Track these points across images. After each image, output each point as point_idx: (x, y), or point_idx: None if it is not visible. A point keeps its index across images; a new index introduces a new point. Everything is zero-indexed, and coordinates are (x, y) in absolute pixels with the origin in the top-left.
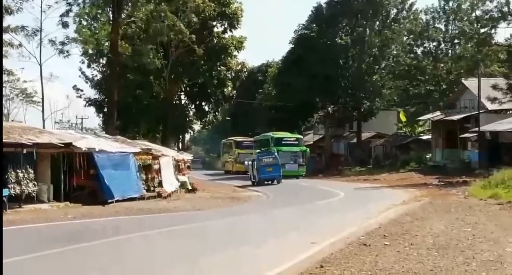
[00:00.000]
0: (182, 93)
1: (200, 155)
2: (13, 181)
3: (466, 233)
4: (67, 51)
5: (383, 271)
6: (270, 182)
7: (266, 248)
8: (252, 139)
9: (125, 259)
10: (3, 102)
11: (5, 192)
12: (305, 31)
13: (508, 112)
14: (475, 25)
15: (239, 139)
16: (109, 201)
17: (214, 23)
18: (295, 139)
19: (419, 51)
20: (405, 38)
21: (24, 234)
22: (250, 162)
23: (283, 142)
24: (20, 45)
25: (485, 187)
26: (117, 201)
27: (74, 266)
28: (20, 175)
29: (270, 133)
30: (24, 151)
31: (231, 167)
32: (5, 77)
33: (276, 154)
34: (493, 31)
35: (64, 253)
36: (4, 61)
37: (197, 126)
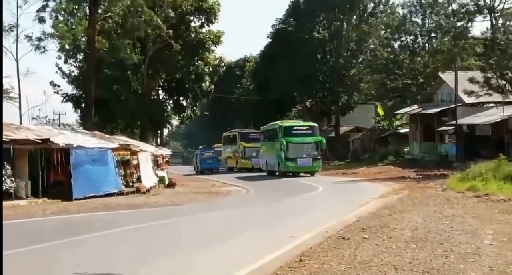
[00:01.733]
0: (160, 88)
1: (179, 150)
2: None
3: (444, 226)
4: (44, 47)
5: (362, 264)
6: (211, 172)
7: (245, 242)
8: (258, 131)
9: (102, 254)
10: None
11: None
12: (283, 26)
13: (484, 106)
14: (452, 19)
15: (244, 130)
16: (85, 196)
17: (191, 17)
18: (307, 127)
19: (396, 45)
20: (382, 32)
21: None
22: (194, 155)
23: (293, 132)
24: None
25: (462, 179)
26: (96, 196)
27: (53, 262)
28: None
29: (278, 123)
30: (2, 147)
31: (235, 163)
32: None
33: (214, 149)
34: (469, 24)
35: (43, 249)
36: None
37: (175, 122)
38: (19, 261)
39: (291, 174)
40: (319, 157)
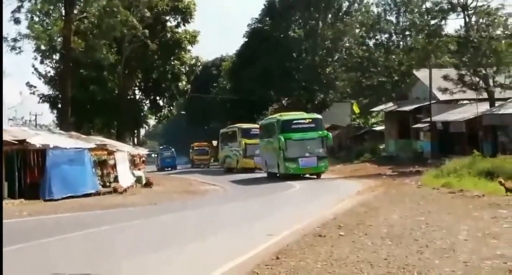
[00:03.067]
0: (137, 88)
1: (156, 149)
2: None
3: (420, 222)
4: (19, 48)
5: (338, 261)
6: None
7: (223, 241)
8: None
9: (79, 254)
10: None
11: None
12: (259, 25)
13: (458, 103)
14: (426, 17)
15: (245, 125)
16: (62, 197)
17: (167, 17)
18: (310, 120)
19: (371, 43)
20: (357, 31)
21: None
22: (156, 155)
23: (293, 126)
24: None
25: (437, 176)
26: (73, 197)
27: (30, 262)
28: None
29: (276, 116)
30: None
31: (235, 164)
32: None
33: (173, 149)
34: (443, 22)
35: (21, 249)
36: None
37: (152, 121)
38: (7, 259)
39: (293, 176)
40: (325, 155)
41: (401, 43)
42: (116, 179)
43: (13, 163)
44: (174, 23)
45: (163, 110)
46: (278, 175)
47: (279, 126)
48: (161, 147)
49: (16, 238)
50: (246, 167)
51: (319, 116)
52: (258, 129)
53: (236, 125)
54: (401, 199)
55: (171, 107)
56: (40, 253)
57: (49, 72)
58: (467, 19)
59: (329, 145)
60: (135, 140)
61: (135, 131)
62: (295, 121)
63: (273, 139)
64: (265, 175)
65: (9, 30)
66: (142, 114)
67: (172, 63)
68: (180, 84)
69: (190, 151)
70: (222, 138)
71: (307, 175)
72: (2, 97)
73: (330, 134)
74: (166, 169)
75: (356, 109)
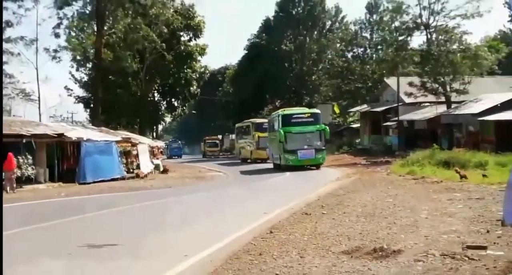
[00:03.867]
0: (156, 91)
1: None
2: (15, 164)
3: (388, 203)
4: (59, 57)
5: (321, 235)
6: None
7: (227, 218)
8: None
9: (108, 229)
10: (6, 101)
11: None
12: (256, 40)
13: (421, 105)
14: (394, 34)
15: (258, 120)
16: (94, 181)
17: (181, 33)
18: (309, 114)
19: (349, 55)
20: (338, 45)
21: (26, 209)
22: (165, 146)
23: (292, 120)
24: (19, 54)
25: (403, 165)
26: (102, 181)
27: (73, 234)
28: (21, 160)
29: (279, 111)
30: (24, 141)
31: (249, 154)
32: (6, 79)
33: (179, 142)
34: (409, 38)
35: (59, 224)
36: (6, 66)
37: (168, 119)
38: (39, 235)
39: (293, 167)
40: (323, 148)
41: (374, 55)
42: (138, 166)
43: (53, 153)
44: (187, 38)
45: (177, 110)
46: (280, 166)
47: (280, 120)
48: (170, 140)
49: (56, 215)
50: (259, 157)
51: (317, 111)
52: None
53: (250, 120)
54: (373, 184)
55: (184, 108)
56: (80, 226)
57: (83, 78)
58: (428, 36)
59: (326, 138)
60: (154, 134)
61: (154, 127)
62: (294, 116)
63: (276, 132)
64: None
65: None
66: (159, 113)
67: (185, 71)
68: (191, 88)
69: (202, 143)
70: (237, 131)
71: (308, 166)
72: (2, 97)
73: (328, 128)
74: (173, 157)
75: (336, 110)
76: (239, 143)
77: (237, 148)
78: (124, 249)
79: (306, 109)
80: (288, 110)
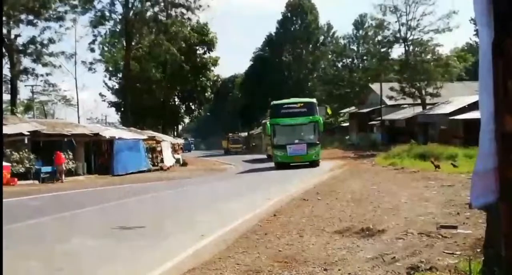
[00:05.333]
0: (176, 97)
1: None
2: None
3: (373, 190)
4: (94, 69)
5: (317, 217)
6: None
7: (238, 203)
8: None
9: (139, 213)
10: (50, 105)
11: (52, 168)
12: (261, 52)
13: (401, 106)
14: (377, 47)
15: None
16: (123, 173)
17: (197, 47)
18: (301, 104)
19: (339, 65)
20: (329, 56)
21: (68, 197)
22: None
23: (283, 111)
24: (60, 66)
25: (386, 158)
26: (132, 173)
27: (106, 219)
28: (64, 156)
29: (273, 102)
30: (66, 139)
31: None
32: (50, 88)
33: (189, 140)
34: (389, 50)
35: (99, 209)
36: (50, 77)
37: (186, 120)
38: (85, 217)
39: (283, 165)
40: (317, 142)
41: (360, 65)
42: (162, 160)
43: (89, 149)
44: (202, 51)
45: (194, 112)
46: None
47: (272, 112)
48: (188, 139)
49: (94, 202)
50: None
51: (312, 100)
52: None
53: None
54: (360, 174)
55: (200, 110)
56: (114, 211)
57: (115, 86)
58: (406, 48)
59: (321, 131)
60: (175, 133)
61: (175, 127)
62: (285, 106)
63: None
64: None
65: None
66: (179, 115)
67: (201, 79)
68: (206, 94)
69: (225, 140)
70: (264, 128)
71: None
72: (1, 98)
73: (322, 119)
74: (184, 151)
75: (329, 111)
76: (265, 139)
77: (264, 144)
78: (150, 230)
79: (293, 99)
80: (279, 101)
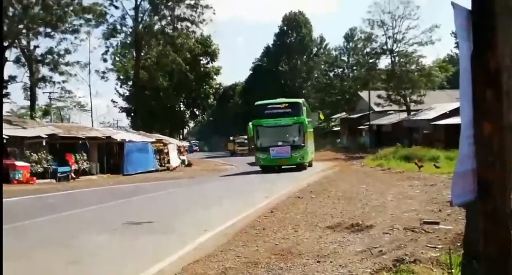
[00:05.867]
0: (181, 103)
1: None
2: (73, 161)
3: (362, 189)
4: (107, 77)
5: (311, 213)
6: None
7: (238, 200)
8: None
9: (147, 209)
10: (66, 111)
11: (68, 168)
12: (259, 63)
13: (387, 112)
14: (366, 58)
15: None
16: (133, 173)
17: (201, 58)
18: (286, 104)
19: (331, 74)
20: (322, 66)
21: (84, 194)
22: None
23: (267, 112)
24: (76, 75)
25: (373, 159)
26: (141, 173)
27: (116, 214)
28: (78, 157)
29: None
30: (80, 142)
31: None
32: (66, 95)
33: (190, 142)
34: (377, 61)
35: (110, 206)
36: (66, 84)
37: (191, 124)
38: (97, 213)
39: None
40: (302, 144)
41: (350, 74)
42: (168, 161)
43: (102, 151)
44: (205, 61)
45: (198, 117)
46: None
47: (256, 112)
48: (191, 141)
49: (106, 199)
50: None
51: (298, 100)
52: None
53: None
54: (350, 174)
55: (204, 116)
56: (124, 207)
57: (125, 93)
58: (392, 59)
59: (306, 132)
60: (181, 136)
61: (180, 130)
62: (269, 106)
63: None
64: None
65: (100, 66)
66: (184, 120)
67: (204, 87)
68: (209, 101)
69: (230, 143)
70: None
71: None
72: (1, 98)
73: (307, 119)
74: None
75: (321, 116)
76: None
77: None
78: (157, 225)
79: (279, 99)
80: (263, 101)
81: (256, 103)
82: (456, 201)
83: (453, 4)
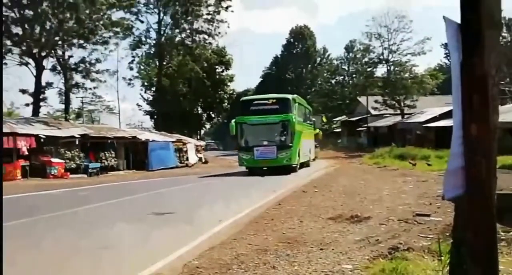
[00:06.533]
0: (199, 107)
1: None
2: (103, 158)
3: (361, 185)
4: (132, 83)
5: (314, 206)
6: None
7: (250, 193)
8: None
9: (170, 201)
10: (96, 113)
11: (98, 164)
12: (268, 71)
13: (383, 116)
14: (364, 66)
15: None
16: (156, 169)
17: (216, 66)
18: (274, 101)
19: (333, 81)
20: (325, 74)
21: (114, 188)
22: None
23: (252, 108)
24: (105, 81)
25: (371, 158)
26: (163, 169)
27: (141, 206)
28: (107, 154)
29: (243, 98)
30: (109, 141)
31: None
32: (97, 99)
33: (207, 142)
34: (374, 70)
35: (138, 198)
36: (96, 90)
37: (207, 126)
38: (124, 204)
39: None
40: (290, 144)
41: (350, 81)
42: (187, 159)
43: (128, 149)
44: (220, 70)
45: (213, 120)
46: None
47: (240, 108)
48: (208, 141)
49: (132, 192)
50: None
51: (287, 96)
52: None
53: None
54: (349, 171)
55: (219, 118)
56: (149, 199)
57: (149, 97)
58: (388, 68)
59: (294, 132)
60: (198, 136)
61: (198, 131)
62: (255, 102)
63: None
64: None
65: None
66: (201, 122)
67: (219, 93)
68: (223, 105)
69: None
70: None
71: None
72: (1, 98)
73: (294, 116)
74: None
75: (324, 119)
76: None
77: None
78: (178, 216)
79: (273, 95)
80: (249, 97)
81: (241, 99)
82: (447, 196)
83: (444, 18)
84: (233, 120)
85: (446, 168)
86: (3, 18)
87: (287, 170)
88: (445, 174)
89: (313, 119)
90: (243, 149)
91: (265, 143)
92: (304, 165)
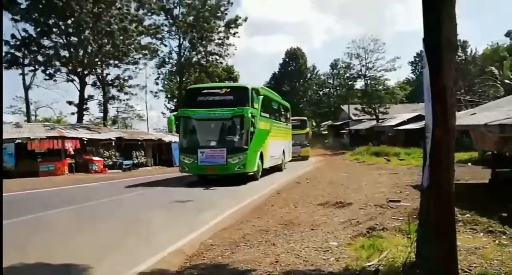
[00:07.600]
0: None
1: None
2: (134, 157)
3: (344, 177)
4: (158, 96)
5: (306, 194)
6: None
7: (253, 186)
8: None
9: (188, 192)
10: (129, 120)
11: (130, 162)
12: (268, 85)
13: (362, 121)
14: (346, 81)
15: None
16: (178, 165)
17: (226, 82)
18: (227, 90)
19: (321, 93)
20: (314, 87)
21: (143, 181)
22: None
23: (200, 99)
24: (136, 94)
25: (352, 155)
26: None
27: (166, 195)
28: (137, 153)
29: (190, 86)
30: (139, 143)
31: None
32: (129, 108)
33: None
34: (354, 83)
35: (162, 190)
36: (129, 101)
37: None
38: (151, 194)
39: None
40: (245, 146)
41: (335, 93)
42: None
43: (155, 149)
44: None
45: None
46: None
47: (185, 99)
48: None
49: (158, 184)
50: (303, 155)
51: (245, 85)
52: (299, 121)
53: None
54: (335, 166)
55: None
56: (172, 190)
57: (172, 107)
58: (366, 82)
59: (253, 130)
60: None
61: None
62: (204, 91)
63: None
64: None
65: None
66: None
67: None
68: None
69: None
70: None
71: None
72: (1, 99)
73: (250, 111)
74: None
75: (314, 124)
76: None
77: None
78: (193, 204)
79: (226, 83)
80: (199, 85)
81: (188, 88)
82: (424, 185)
83: (423, 39)
84: (172, 114)
85: (423, 164)
86: (54, 44)
87: (243, 178)
88: (423, 168)
89: (304, 118)
90: (184, 150)
91: (212, 143)
92: (275, 168)
